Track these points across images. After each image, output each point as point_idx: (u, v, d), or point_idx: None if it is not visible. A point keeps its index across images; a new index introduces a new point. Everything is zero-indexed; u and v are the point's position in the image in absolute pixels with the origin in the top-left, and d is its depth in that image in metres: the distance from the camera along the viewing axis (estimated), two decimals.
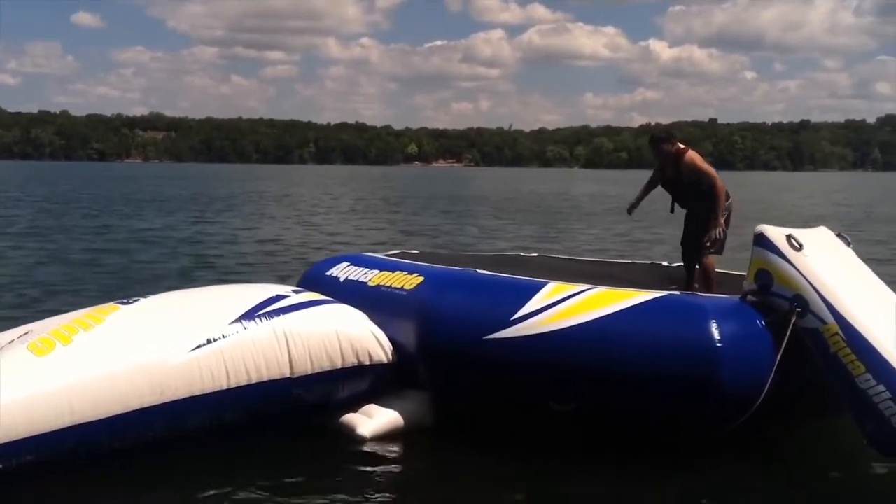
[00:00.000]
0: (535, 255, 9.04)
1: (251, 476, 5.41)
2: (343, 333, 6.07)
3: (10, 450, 4.96)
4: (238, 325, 5.80)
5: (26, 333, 5.74)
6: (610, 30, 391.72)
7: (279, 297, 6.18)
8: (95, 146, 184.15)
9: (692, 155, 6.77)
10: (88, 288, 12.26)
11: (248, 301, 6.05)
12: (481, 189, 60.35)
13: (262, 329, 5.84)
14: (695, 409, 5.47)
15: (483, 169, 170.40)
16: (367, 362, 6.13)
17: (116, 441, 5.31)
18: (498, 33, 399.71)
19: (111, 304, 6.09)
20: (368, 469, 5.65)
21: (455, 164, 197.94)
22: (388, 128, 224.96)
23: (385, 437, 6.01)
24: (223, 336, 5.70)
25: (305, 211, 31.66)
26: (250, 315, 5.90)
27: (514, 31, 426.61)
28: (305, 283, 7.30)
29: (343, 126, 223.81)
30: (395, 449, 5.94)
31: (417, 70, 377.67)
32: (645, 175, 7.52)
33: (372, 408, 6.14)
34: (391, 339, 6.28)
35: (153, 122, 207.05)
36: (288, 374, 5.85)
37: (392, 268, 6.93)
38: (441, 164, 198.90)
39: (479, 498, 5.26)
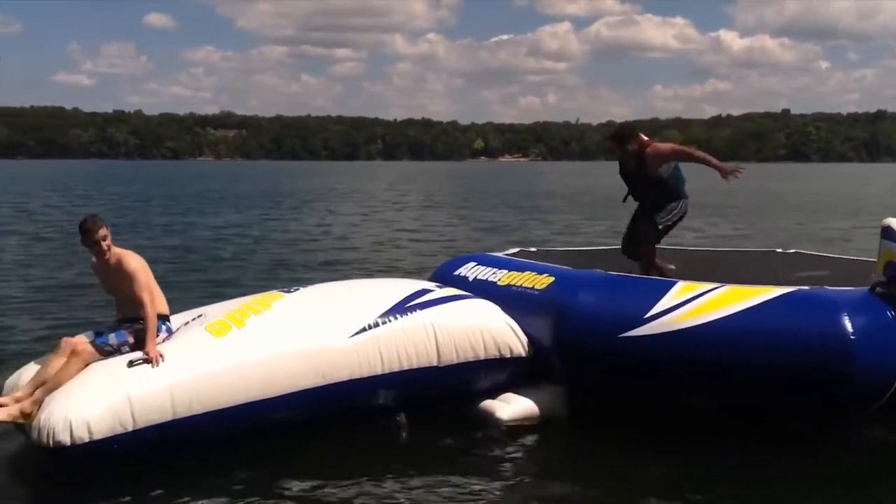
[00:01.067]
0: None
1: (388, 459, 5.78)
2: (485, 326, 6.41)
3: (193, 423, 5.39)
4: (391, 314, 6.20)
5: (200, 316, 6.23)
6: (679, 20, 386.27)
7: (426, 291, 6.59)
8: (169, 145, 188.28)
9: (657, 147, 6.89)
10: (177, 286, 12.33)
11: (397, 293, 6.46)
12: (551, 184, 60.17)
13: (412, 319, 6.22)
14: (830, 400, 5.67)
15: (550, 163, 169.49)
16: (507, 355, 6.45)
17: (284, 418, 5.73)
18: (565, 26, 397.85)
19: (275, 292, 6.54)
20: (503, 455, 5.92)
21: (522, 159, 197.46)
22: (454, 123, 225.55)
23: (521, 424, 6.28)
24: (378, 324, 6.10)
25: (377, 208, 32.00)
26: (401, 306, 6.29)
27: (581, 23, 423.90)
28: (434, 281, 7.57)
29: (410, 122, 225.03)
30: (530, 437, 6.19)
31: (484, 65, 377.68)
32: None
33: (510, 395, 6.45)
34: (528, 336, 6.57)
35: (224, 120, 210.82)
36: (435, 363, 6.21)
37: (520, 268, 7.20)
38: (507, 158, 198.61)
39: (610, 488, 5.43)
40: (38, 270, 14.23)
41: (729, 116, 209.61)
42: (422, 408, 6.27)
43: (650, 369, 6.00)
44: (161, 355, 5.47)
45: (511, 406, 6.34)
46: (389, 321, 6.13)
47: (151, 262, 5.96)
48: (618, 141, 7.03)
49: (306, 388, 5.74)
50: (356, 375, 5.92)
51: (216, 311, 6.23)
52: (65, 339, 5.64)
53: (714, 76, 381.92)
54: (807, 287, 5.98)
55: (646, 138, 6.96)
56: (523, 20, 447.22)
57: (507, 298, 6.78)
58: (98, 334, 5.74)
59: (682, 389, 6.02)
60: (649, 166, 6.79)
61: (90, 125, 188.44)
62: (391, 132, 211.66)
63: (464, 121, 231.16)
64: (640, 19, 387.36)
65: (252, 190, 46.69)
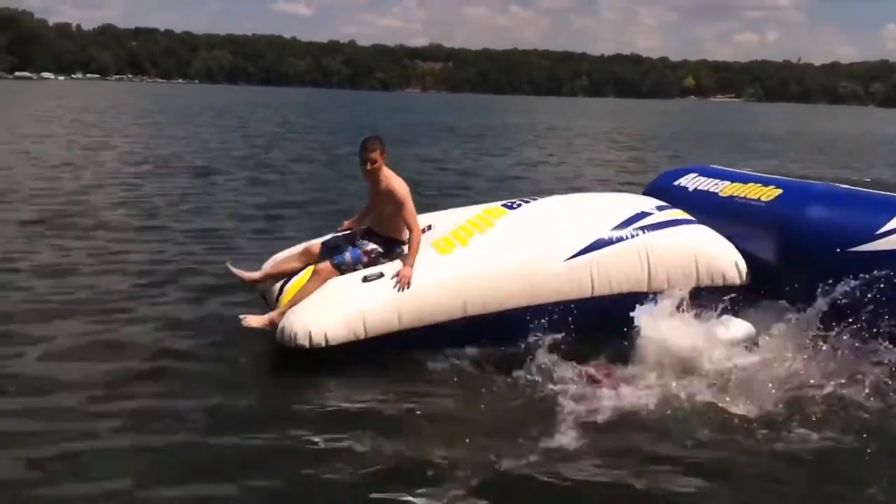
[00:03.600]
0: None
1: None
2: (701, 253, 6.31)
3: (416, 334, 5.82)
4: (605, 238, 6.23)
5: (429, 227, 6.56)
6: None
7: (644, 214, 6.51)
8: (378, 76, 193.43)
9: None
10: None
11: (616, 215, 6.44)
12: (768, 126, 56.73)
13: (627, 245, 6.21)
14: None
15: (766, 105, 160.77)
16: (720, 283, 6.32)
17: (493, 333, 5.92)
18: None
19: (498, 207, 6.70)
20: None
21: (734, 99, 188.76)
22: (664, 60, 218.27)
23: (744, 341, 6.02)
24: (592, 248, 6.16)
25: (584, 145, 31.20)
26: (618, 230, 6.30)
27: None
28: (652, 191, 7.50)
29: (617, 58, 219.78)
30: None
31: None
32: None
33: (729, 318, 6.18)
34: (745, 250, 6.38)
35: (433, 52, 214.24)
36: (645, 289, 6.19)
37: (744, 179, 6.95)
38: (719, 98, 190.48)
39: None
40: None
41: None
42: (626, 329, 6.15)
43: (880, 288, 5.59)
44: (409, 279, 5.86)
45: (731, 330, 6.07)
46: (604, 244, 6.17)
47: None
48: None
49: (519, 306, 5.94)
50: (565, 298, 6.04)
51: (444, 223, 6.54)
52: (309, 246, 6.45)
53: None
54: None
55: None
56: None
57: (729, 210, 6.62)
58: (335, 248, 6.30)
59: None
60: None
61: (306, 54, 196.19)
62: (598, 68, 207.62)
63: (675, 58, 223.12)
64: None
65: (462, 123, 46.88)
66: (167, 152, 21.09)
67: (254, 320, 5.99)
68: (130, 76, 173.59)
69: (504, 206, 6.71)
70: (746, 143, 35.15)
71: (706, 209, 6.71)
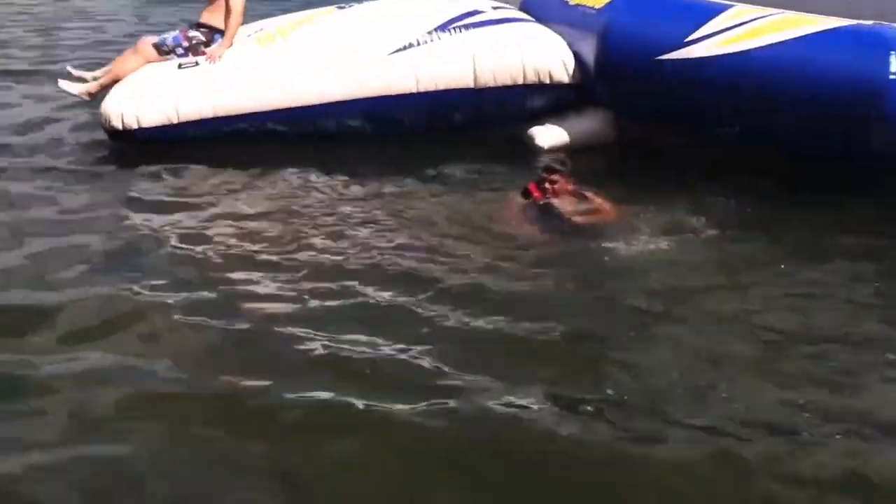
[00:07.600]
0: None
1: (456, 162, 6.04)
2: (528, 52, 6.41)
3: (230, 121, 6.15)
4: (433, 34, 6.38)
5: (260, 30, 6.73)
6: None
7: (476, 12, 6.58)
8: None
9: None
10: None
11: (446, 12, 6.55)
12: None
13: (451, 40, 6.36)
14: (860, 141, 5.28)
15: None
16: (548, 81, 6.46)
17: (315, 124, 6.25)
18: None
19: (330, 8, 6.87)
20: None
21: None
22: None
23: (562, 149, 6.29)
24: (417, 43, 6.32)
25: None
26: (444, 27, 6.43)
27: None
28: (525, 4, 7.50)
29: None
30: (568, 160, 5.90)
31: None
32: None
33: (552, 124, 6.47)
34: (578, 57, 6.49)
35: None
36: (471, 86, 6.37)
37: None
38: None
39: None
40: None
41: None
42: (459, 127, 6.46)
43: (684, 95, 5.78)
44: (219, 57, 6.19)
45: (551, 134, 6.39)
46: (429, 41, 6.32)
47: None
48: None
49: (336, 99, 6.19)
50: (390, 92, 6.24)
51: (272, 25, 6.72)
52: (142, 37, 6.64)
53: None
54: (869, 22, 5.36)
55: None
56: None
57: (572, 19, 6.67)
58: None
59: (714, 118, 5.77)
60: None
61: None
62: None
63: None
64: None
65: None
66: None
67: (71, 87, 6.38)
68: None
69: (336, 7, 6.85)
70: None
71: (558, 17, 6.78)
